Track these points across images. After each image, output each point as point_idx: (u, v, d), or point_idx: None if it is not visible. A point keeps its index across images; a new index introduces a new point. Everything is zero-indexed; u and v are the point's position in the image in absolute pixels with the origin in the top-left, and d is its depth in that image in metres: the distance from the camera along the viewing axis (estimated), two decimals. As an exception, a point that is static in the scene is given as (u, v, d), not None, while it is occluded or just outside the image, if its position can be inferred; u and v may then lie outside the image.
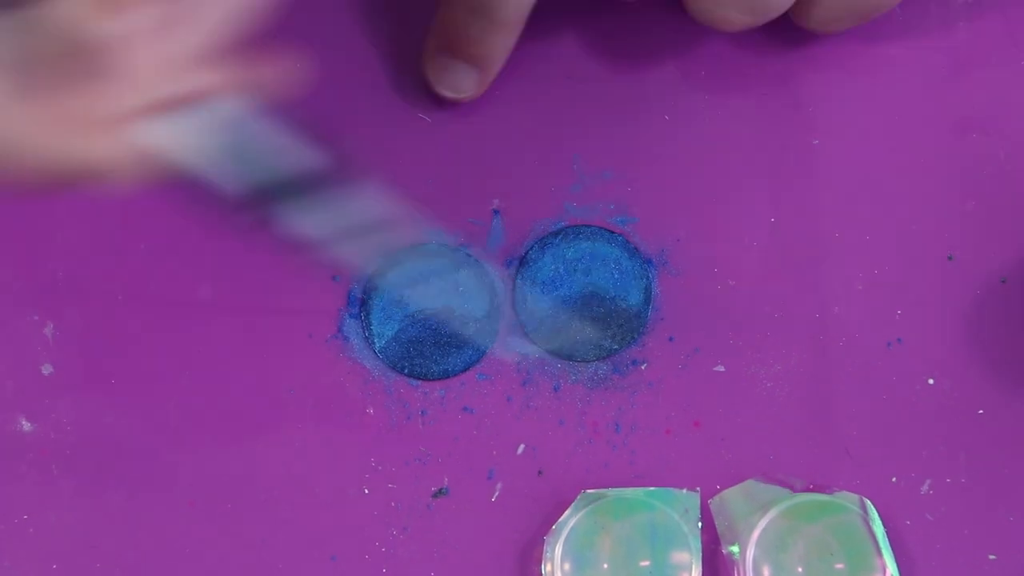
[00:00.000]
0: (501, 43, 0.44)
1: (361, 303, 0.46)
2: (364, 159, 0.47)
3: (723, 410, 0.45)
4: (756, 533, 0.43)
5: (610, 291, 0.46)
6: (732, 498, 0.44)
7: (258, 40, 0.36)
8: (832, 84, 0.47)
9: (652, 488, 0.44)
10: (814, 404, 0.45)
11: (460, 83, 0.45)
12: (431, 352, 0.46)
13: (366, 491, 0.45)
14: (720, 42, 0.46)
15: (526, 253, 0.46)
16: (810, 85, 0.47)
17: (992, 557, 0.44)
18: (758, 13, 0.42)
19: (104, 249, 0.46)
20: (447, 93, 0.45)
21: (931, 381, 0.45)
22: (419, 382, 0.46)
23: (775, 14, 0.42)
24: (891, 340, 0.45)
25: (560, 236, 0.46)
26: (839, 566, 0.43)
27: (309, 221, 0.35)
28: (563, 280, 0.46)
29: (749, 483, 0.44)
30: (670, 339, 0.46)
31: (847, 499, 0.44)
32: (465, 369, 0.46)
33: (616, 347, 0.45)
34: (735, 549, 0.43)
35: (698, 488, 0.44)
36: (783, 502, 0.44)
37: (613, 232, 0.46)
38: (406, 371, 0.45)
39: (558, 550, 0.43)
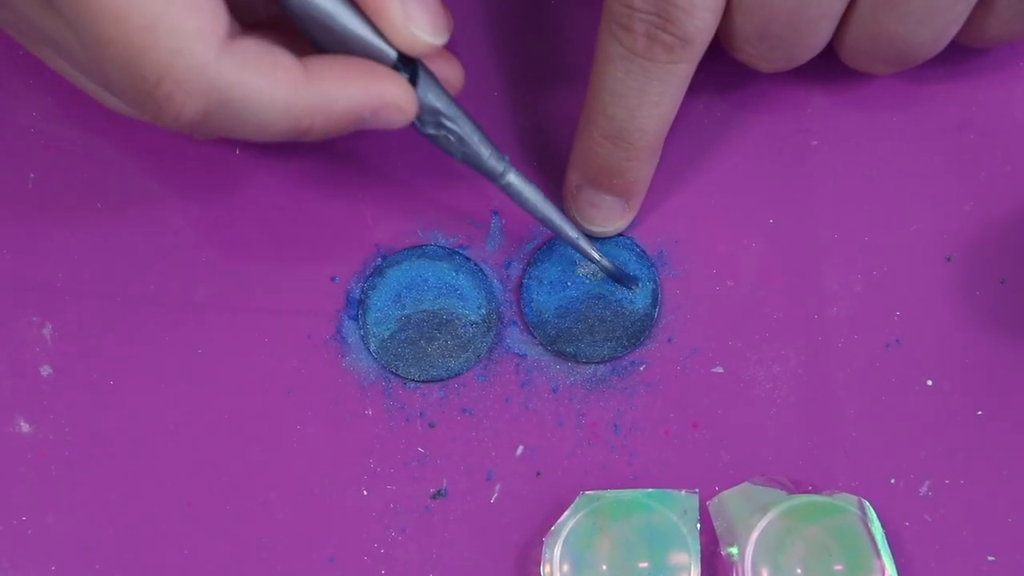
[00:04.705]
0: (645, 169, 0.44)
1: (359, 303, 0.46)
2: (361, 160, 0.47)
3: (722, 411, 0.45)
4: (755, 534, 0.43)
5: (617, 293, 0.46)
6: (731, 499, 0.44)
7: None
8: (831, 85, 0.47)
9: (651, 489, 0.44)
10: (813, 405, 0.45)
11: (608, 217, 0.45)
12: (428, 354, 0.46)
13: (365, 492, 0.45)
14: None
15: (535, 253, 0.46)
16: (809, 86, 0.47)
17: (991, 559, 0.44)
18: (796, 60, 0.43)
19: (103, 249, 0.46)
20: (596, 229, 0.45)
21: (930, 382, 0.45)
22: (417, 384, 0.46)
23: (809, 58, 0.43)
24: (890, 341, 0.45)
25: None
26: (838, 567, 0.43)
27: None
28: (570, 281, 0.46)
29: (748, 484, 0.44)
30: (669, 340, 0.46)
31: (846, 500, 0.44)
32: (463, 371, 0.46)
33: (622, 349, 0.45)
34: (734, 550, 0.43)
35: (697, 489, 0.44)
36: (782, 503, 0.43)
37: (621, 234, 0.46)
38: (400, 372, 0.45)
39: (557, 551, 0.43)
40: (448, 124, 0.40)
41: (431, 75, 0.40)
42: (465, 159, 0.41)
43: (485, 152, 0.41)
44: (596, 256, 0.44)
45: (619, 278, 0.45)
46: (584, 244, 0.44)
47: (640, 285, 0.46)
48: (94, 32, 0.36)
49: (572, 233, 0.44)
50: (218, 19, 0.36)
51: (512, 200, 0.43)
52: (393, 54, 0.39)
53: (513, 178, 0.42)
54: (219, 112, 0.37)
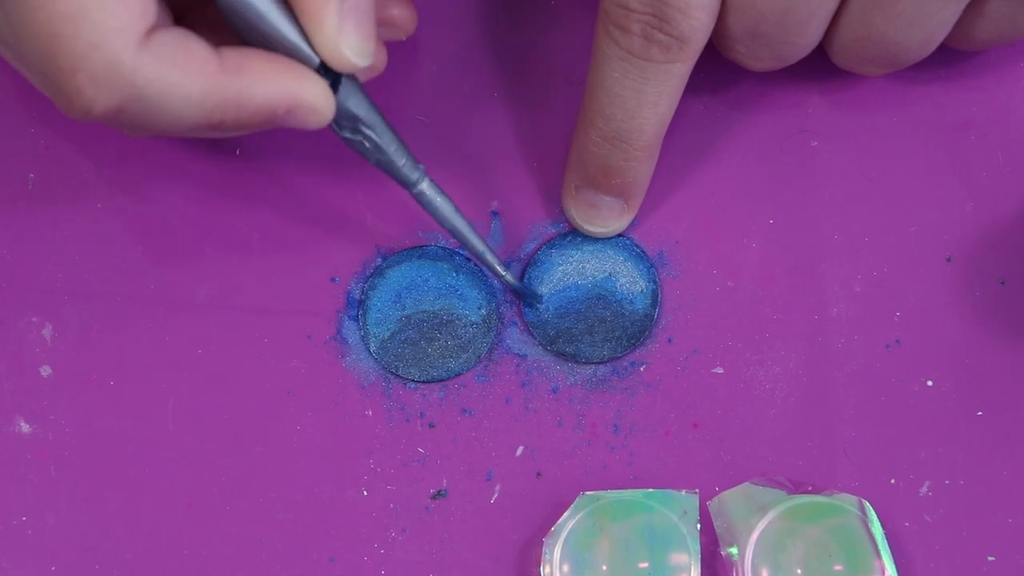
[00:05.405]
0: (644, 169, 0.44)
1: (359, 304, 0.46)
2: (361, 160, 0.47)
3: (722, 411, 0.45)
4: (755, 535, 0.43)
5: (616, 293, 0.46)
6: (731, 500, 0.44)
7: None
8: (831, 86, 0.47)
9: (651, 490, 0.44)
10: (813, 406, 0.45)
11: (607, 217, 0.45)
12: (428, 354, 0.46)
13: (365, 493, 0.45)
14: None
15: (534, 253, 0.46)
16: (809, 86, 0.47)
17: (991, 559, 0.44)
18: (786, 60, 0.43)
19: (103, 250, 0.46)
20: (595, 229, 0.45)
21: (930, 383, 0.45)
22: (418, 384, 0.46)
23: (800, 57, 0.43)
24: (889, 342, 0.45)
25: (568, 237, 0.46)
26: (838, 568, 0.43)
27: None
28: (571, 281, 0.46)
29: (748, 485, 0.44)
30: (669, 340, 0.46)
31: (846, 501, 0.44)
32: (463, 371, 0.46)
33: (622, 350, 0.45)
34: (734, 551, 0.43)
35: (697, 490, 0.44)
36: (782, 504, 0.43)
37: (622, 235, 0.46)
38: (401, 372, 0.45)
39: (557, 552, 0.43)
40: (365, 131, 0.40)
41: (355, 81, 0.40)
42: (379, 165, 0.41)
43: (400, 161, 0.41)
44: (501, 271, 0.44)
45: (524, 295, 0.45)
46: (490, 258, 0.44)
47: (542, 305, 0.46)
48: (21, 15, 0.35)
49: (480, 247, 0.43)
50: (144, 14, 0.36)
51: (424, 209, 0.42)
52: (316, 59, 0.38)
53: (426, 187, 0.42)
54: (132, 107, 0.37)
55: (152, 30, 0.36)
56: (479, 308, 0.46)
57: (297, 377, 0.46)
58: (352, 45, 0.38)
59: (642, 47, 0.40)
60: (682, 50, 0.40)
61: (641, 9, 0.39)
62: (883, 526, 0.43)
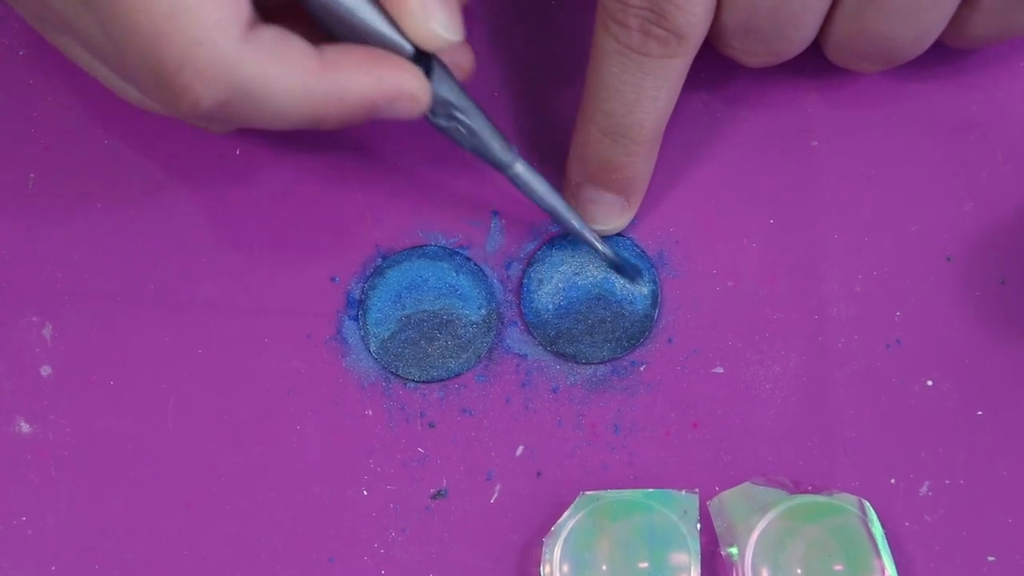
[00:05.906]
0: (644, 164, 0.44)
1: (359, 304, 0.46)
2: (361, 160, 0.47)
3: (722, 411, 0.45)
4: (755, 534, 0.43)
5: (617, 294, 0.46)
6: (731, 499, 0.44)
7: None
8: (831, 85, 0.47)
9: (651, 489, 0.44)
10: (813, 405, 0.45)
11: (608, 215, 0.45)
12: (428, 354, 0.46)
13: (365, 493, 0.45)
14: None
15: (534, 253, 0.46)
16: (809, 86, 0.47)
17: (991, 559, 0.44)
18: (781, 55, 0.43)
19: (103, 250, 0.46)
20: (596, 227, 0.45)
21: (930, 383, 0.45)
22: (418, 384, 0.46)
23: (795, 53, 0.43)
24: (890, 341, 0.45)
25: (568, 237, 0.46)
26: (838, 567, 0.43)
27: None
28: (570, 282, 0.46)
29: (748, 484, 0.44)
30: (669, 340, 0.46)
31: (846, 500, 0.44)
32: (463, 371, 0.46)
33: (622, 350, 0.45)
34: (734, 551, 0.43)
35: (697, 489, 0.44)
36: (782, 503, 0.43)
37: (621, 235, 0.46)
38: (401, 372, 0.45)
39: (557, 551, 0.43)
40: (459, 116, 0.41)
41: (445, 68, 0.40)
42: (475, 150, 0.42)
43: (495, 144, 0.42)
44: (600, 247, 0.44)
45: (622, 270, 0.45)
46: (589, 235, 0.44)
47: (644, 278, 0.46)
48: (117, 19, 0.36)
49: (577, 224, 0.44)
50: (241, 9, 0.36)
51: (519, 190, 0.43)
52: (410, 47, 0.39)
53: (521, 169, 0.42)
54: (237, 102, 0.37)
55: (253, 26, 0.37)
56: (479, 308, 0.46)
57: (297, 377, 0.46)
58: (441, 21, 0.39)
59: (640, 42, 0.40)
60: (680, 45, 0.40)
61: (639, 4, 0.39)
62: (883, 526, 0.43)
